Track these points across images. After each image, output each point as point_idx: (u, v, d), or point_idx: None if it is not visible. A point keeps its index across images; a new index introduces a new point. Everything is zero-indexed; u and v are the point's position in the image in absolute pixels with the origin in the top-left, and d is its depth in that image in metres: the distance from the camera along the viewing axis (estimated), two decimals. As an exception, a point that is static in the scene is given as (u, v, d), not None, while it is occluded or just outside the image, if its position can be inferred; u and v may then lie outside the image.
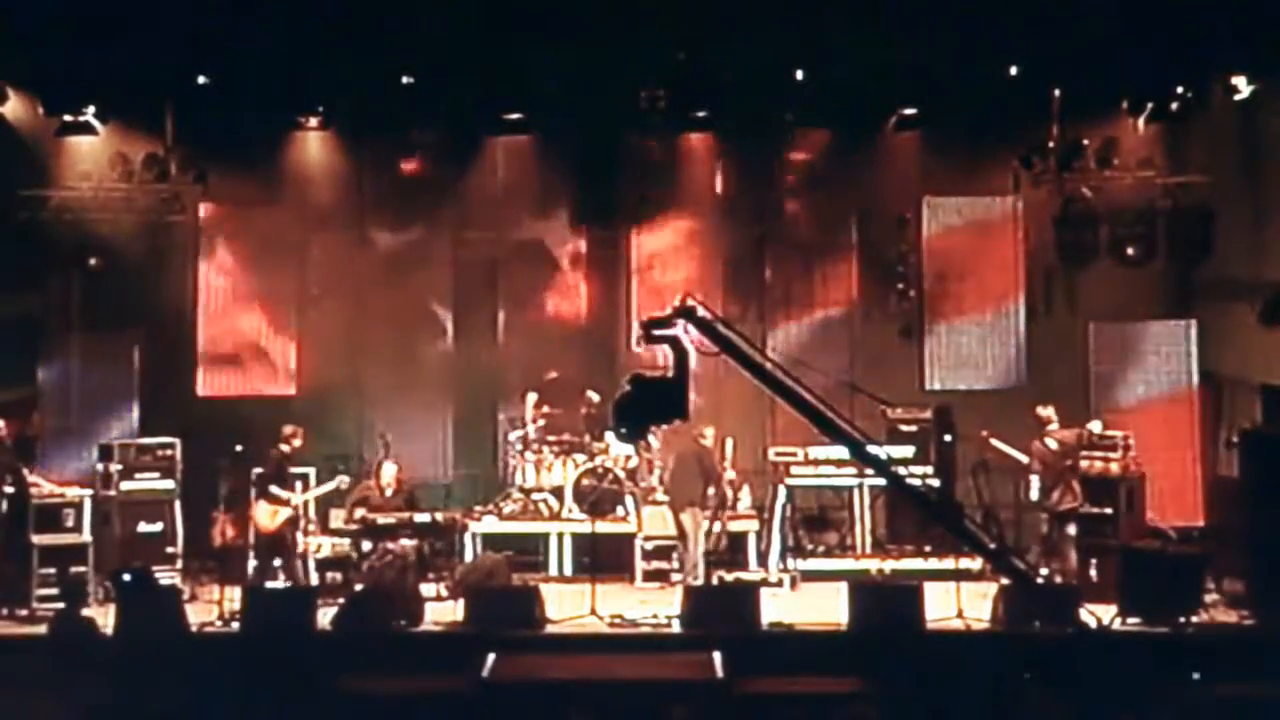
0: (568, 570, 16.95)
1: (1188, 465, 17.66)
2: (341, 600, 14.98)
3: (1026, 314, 18.57)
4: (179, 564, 16.40)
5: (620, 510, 17.24)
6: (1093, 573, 15.75)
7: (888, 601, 14.56)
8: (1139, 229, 17.45)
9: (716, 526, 16.57)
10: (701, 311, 7.82)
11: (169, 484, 16.54)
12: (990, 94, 17.08)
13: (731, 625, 14.06)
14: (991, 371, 18.33)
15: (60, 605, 14.03)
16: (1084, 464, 16.43)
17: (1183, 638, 14.09)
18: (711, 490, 16.45)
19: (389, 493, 16.44)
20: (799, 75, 16.98)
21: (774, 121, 17.83)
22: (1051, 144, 17.42)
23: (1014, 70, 16.73)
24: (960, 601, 14.71)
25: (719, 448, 16.90)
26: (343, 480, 16.62)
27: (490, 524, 17.26)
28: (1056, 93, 17.10)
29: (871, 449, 8.24)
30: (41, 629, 14.31)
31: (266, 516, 16.16)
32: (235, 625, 14.56)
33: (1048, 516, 16.36)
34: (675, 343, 7.66)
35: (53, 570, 15.39)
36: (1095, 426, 16.53)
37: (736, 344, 7.79)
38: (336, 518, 16.66)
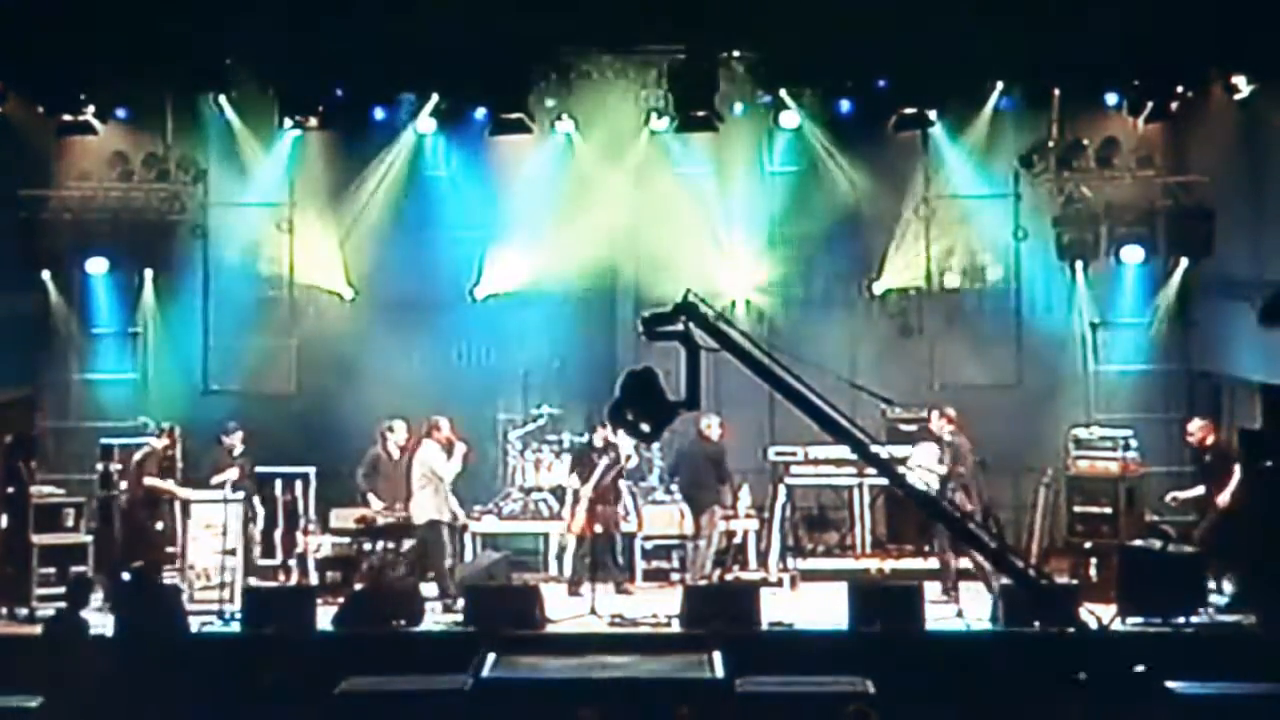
0: (568, 570, 16.94)
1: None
2: (341, 600, 14.99)
3: (1026, 314, 18.56)
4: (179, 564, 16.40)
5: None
6: (1093, 573, 15.76)
7: (888, 601, 14.56)
8: (1139, 229, 17.43)
9: (723, 525, 16.57)
10: (703, 308, 7.79)
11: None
12: (990, 94, 17.08)
13: (731, 625, 14.08)
14: (992, 372, 18.29)
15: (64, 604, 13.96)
16: (1083, 464, 16.44)
17: (1183, 638, 14.10)
18: (725, 488, 16.44)
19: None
20: (798, 75, 16.98)
21: (774, 121, 17.85)
22: (1051, 144, 17.42)
23: (1014, 71, 16.73)
24: (960, 601, 14.70)
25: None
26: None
27: (490, 524, 17.26)
28: (1056, 93, 17.10)
29: (874, 449, 8.21)
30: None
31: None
32: (235, 625, 14.57)
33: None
34: (686, 339, 7.59)
35: (53, 570, 15.38)
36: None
37: (737, 341, 7.76)
38: (336, 517, 16.65)
